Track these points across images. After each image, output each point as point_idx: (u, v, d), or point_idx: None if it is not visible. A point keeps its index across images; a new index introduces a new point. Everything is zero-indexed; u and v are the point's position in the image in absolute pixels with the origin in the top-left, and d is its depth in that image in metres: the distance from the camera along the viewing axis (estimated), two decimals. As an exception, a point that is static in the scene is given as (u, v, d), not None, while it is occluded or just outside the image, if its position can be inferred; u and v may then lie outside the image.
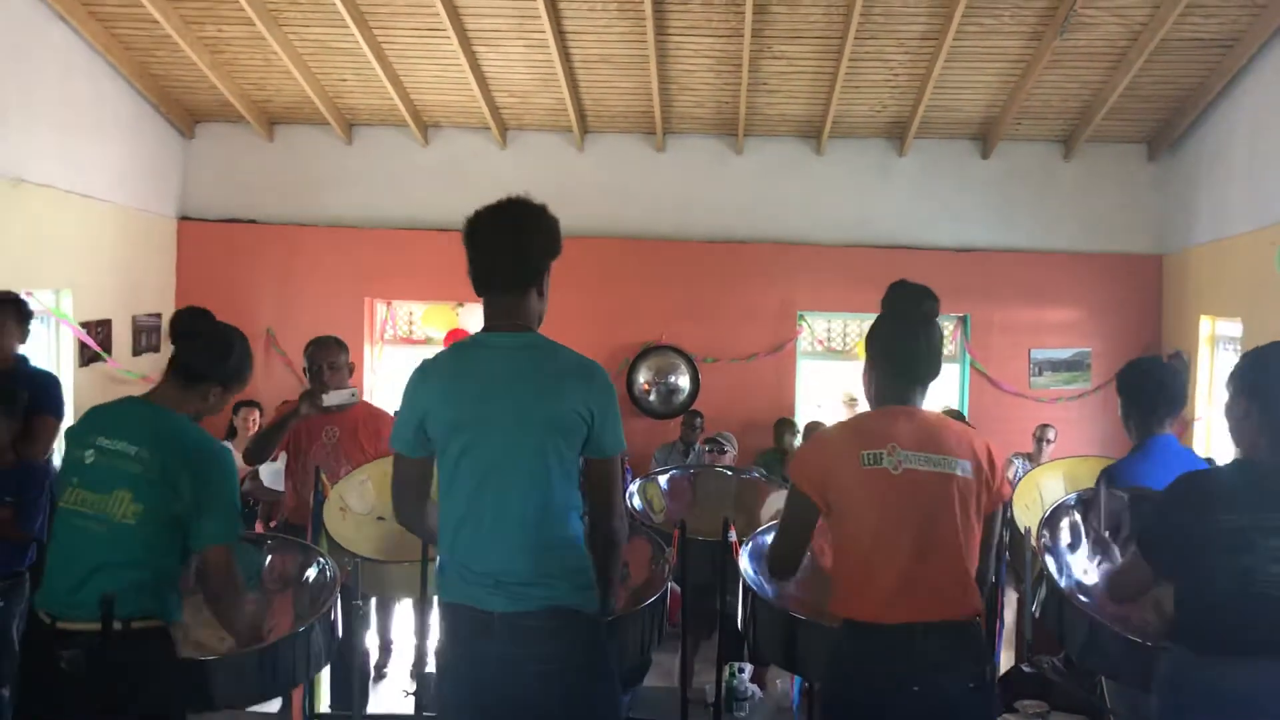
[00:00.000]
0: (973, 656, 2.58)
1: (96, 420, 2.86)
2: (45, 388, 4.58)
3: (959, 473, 2.55)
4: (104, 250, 8.24)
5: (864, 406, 2.83)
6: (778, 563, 2.80)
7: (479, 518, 2.51)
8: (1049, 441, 8.38)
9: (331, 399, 4.67)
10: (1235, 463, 2.66)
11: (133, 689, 2.66)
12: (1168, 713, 2.64)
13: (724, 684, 5.40)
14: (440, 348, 9.28)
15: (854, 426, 2.72)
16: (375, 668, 6.54)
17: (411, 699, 4.60)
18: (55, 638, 2.65)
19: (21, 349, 4.69)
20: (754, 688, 5.71)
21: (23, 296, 4.98)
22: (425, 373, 2.63)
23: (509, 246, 2.61)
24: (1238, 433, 2.69)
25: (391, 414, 5.53)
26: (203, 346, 2.90)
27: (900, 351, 2.68)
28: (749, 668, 5.66)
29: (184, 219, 9.46)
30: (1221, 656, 2.52)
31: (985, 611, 2.72)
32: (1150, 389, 3.54)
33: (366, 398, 9.31)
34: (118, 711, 2.64)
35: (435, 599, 3.36)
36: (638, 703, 5.09)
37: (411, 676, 5.83)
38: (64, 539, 2.75)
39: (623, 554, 2.76)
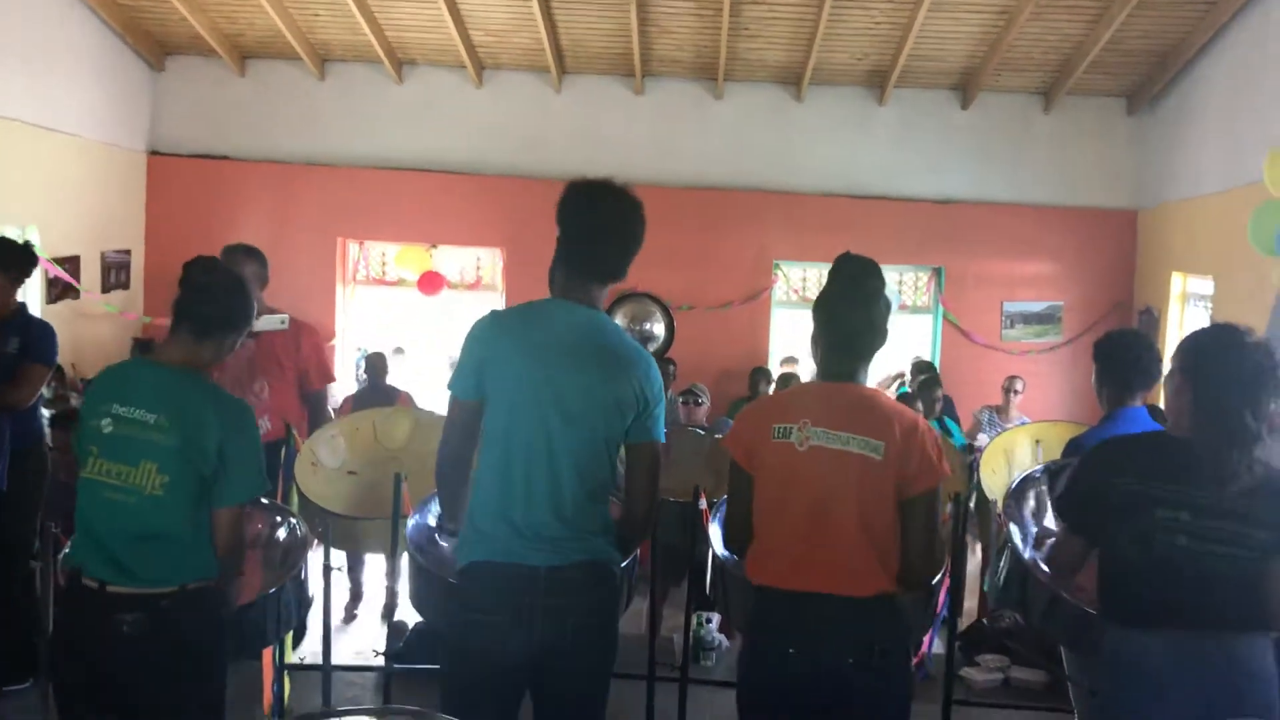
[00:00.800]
0: (861, 633, 2.59)
1: (109, 386, 2.79)
2: (39, 336, 4.54)
3: (868, 453, 2.57)
4: (71, 185, 8.11)
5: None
6: (731, 533, 2.85)
7: (532, 477, 2.59)
8: (1016, 393, 8.44)
9: (260, 324, 4.42)
10: (1150, 433, 2.73)
11: (192, 647, 2.69)
12: (1102, 679, 2.74)
13: (692, 633, 5.48)
14: (413, 289, 9.30)
15: (778, 399, 2.83)
16: (345, 609, 6.58)
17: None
18: (109, 602, 2.64)
19: (21, 296, 4.65)
20: (721, 637, 5.80)
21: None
22: (494, 323, 2.69)
23: (612, 246, 2.71)
24: (1168, 405, 2.75)
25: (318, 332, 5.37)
26: (218, 296, 2.83)
27: (843, 326, 2.70)
28: (717, 617, 5.74)
29: (153, 154, 9.31)
30: (1135, 627, 2.60)
31: (908, 590, 2.73)
32: (1126, 361, 3.59)
33: (338, 340, 9.35)
34: (177, 669, 2.66)
35: (407, 556, 3.41)
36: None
37: (382, 620, 5.88)
38: (95, 509, 2.71)
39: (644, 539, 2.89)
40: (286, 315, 4.70)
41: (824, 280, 2.80)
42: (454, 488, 2.76)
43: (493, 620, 2.59)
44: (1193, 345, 2.71)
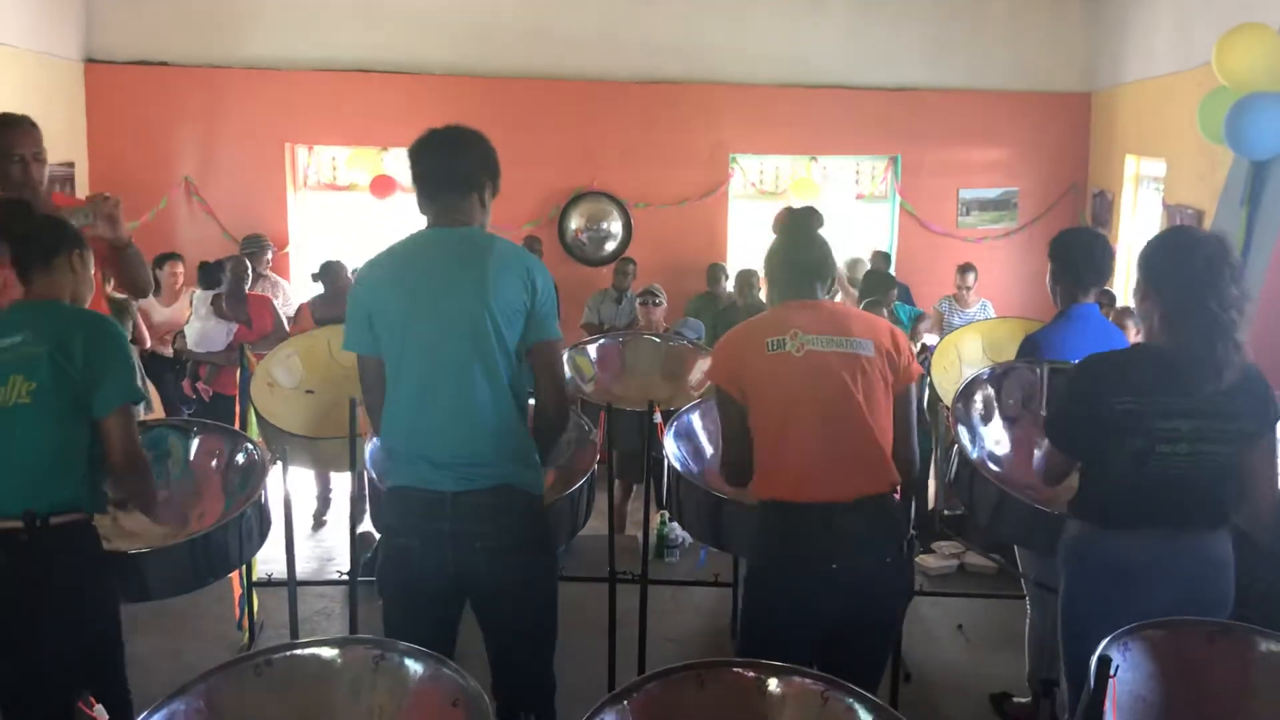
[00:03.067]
0: (888, 530, 2.69)
1: None
2: None
3: (861, 351, 2.65)
4: (6, 97, 7.78)
5: None
6: (733, 470, 2.84)
7: (429, 406, 2.62)
8: (968, 288, 8.51)
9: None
10: (1134, 346, 2.78)
11: (59, 584, 2.68)
12: (1071, 579, 2.81)
13: (655, 531, 5.59)
14: (365, 193, 9.18)
15: (758, 320, 2.82)
16: (314, 517, 6.65)
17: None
18: None
19: None
20: (684, 535, 5.90)
21: None
22: (369, 271, 2.73)
23: (448, 156, 2.73)
24: (1139, 314, 2.82)
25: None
26: (40, 226, 2.93)
27: (798, 266, 2.84)
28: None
29: (90, 61, 9.01)
30: (1119, 529, 2.68)
31: (904, 485, 2.83)
32: (1080, 259, 3.63)
33: (291, 248, 9.25)
34: (46, 608, 2.67)
35: (367, 477, 3.45)
36: (570, 551, 5.26)
37: (351, 524, 5.94)
38: None
39: (563, 436, 2.92)
40: (88, 209, 4.36)
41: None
42: None
43: (409, 543, 2.67)
44: (1149, 253, 2.75)
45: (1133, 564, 2.65)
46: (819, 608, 2.64)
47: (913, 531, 2.85)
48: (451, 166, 2.72)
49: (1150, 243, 2.80)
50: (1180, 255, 2.66)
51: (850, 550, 2.62)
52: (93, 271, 2.98)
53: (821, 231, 2.91)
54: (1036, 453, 3.01)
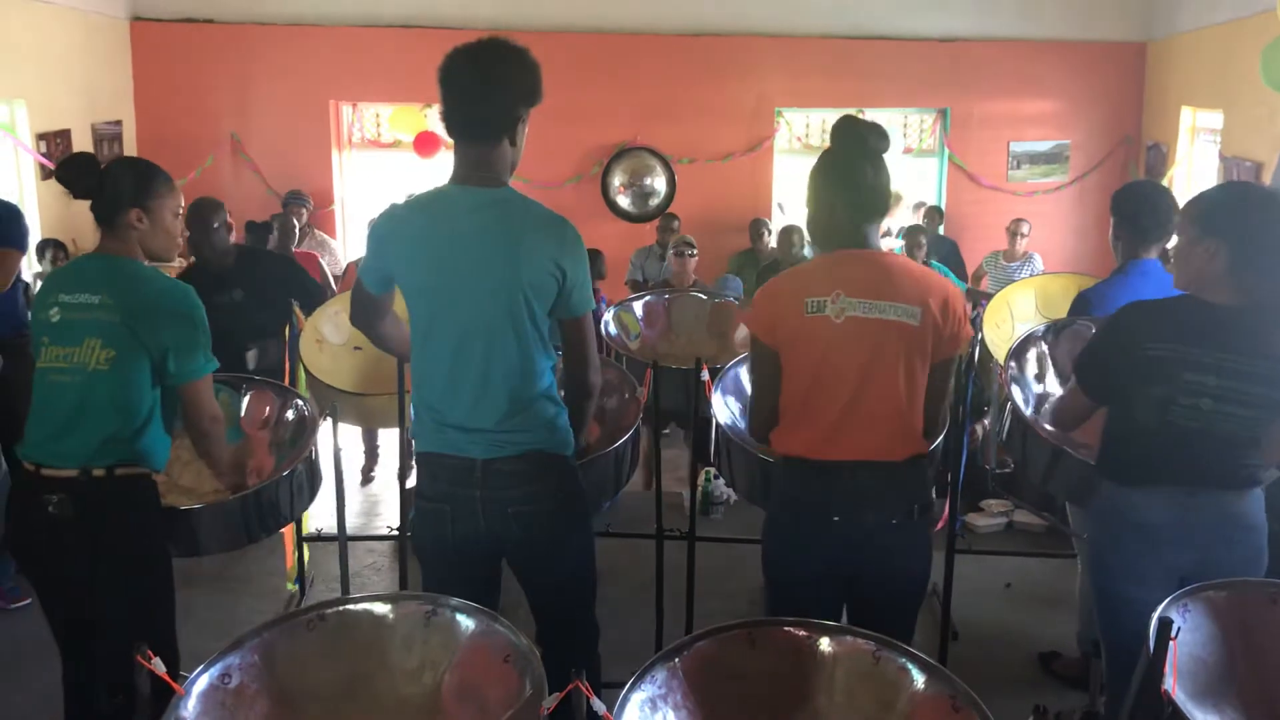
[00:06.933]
0: (901, 494, 2.62)
1: (56, 280, 2.89)
2: (5, 220, 4.47)
3: (905, 319, 2.53)
4: (54, 56, 7.91)
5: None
6: (757, 421, 2.77)
7: (457, 377, 2.54)
8: (1023, 235, 8.36)
9: None
10: (1180, 298, 2.67)
11: (116, 534, 2.75)
12: (1097, 536, 2.79)
13: (700, 488, 5.58)
14: (409, 151, 9.15)
15: (804, 273, 2.68)
16: (362, 473, 6.71)
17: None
18: (41, 484, 2.72)
19: (12, 174, 4.56)
20: (729, 491, 5.89)
21: None
22: (392, 224, 2.58)
23: (482, 92, 2.49)
24: (1189, 267, 2.65)
25: None
26: (107, 180, 2.87)
27: (854, 188, 2.60)
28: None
29: (136, 19, 9.05)
30: (1137, 487, 2.64)
31: (939, 452, 2.78)
32: (1145, 213, 3.54)
33: (336, 206, 9.27)
34: (103, 555, 2.74)
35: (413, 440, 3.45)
36: (615, 508, 5.27)
37: (399, 479, 5.99)
38: (43, 393, 2.80)
39: (596, 402, 2.83)
40: None
41: (826, 127, 2.74)
42: (385, 341, 2.82)
43: (440, 508, 2.63)
44: (1224, 206, 2.62)
45: (1151, 522, 2.61)
46: (821, 563, 2.63)
47: (936, 500, 2.76)
48: (481, 106, 2.50)
49: (1224, 198, 2.69)
50: (1266, 216, 2.55)
51: (853, 506, 2.58)
52: (168, 222, 2.92)
53: (885, 151, 2.62)
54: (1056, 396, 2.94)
